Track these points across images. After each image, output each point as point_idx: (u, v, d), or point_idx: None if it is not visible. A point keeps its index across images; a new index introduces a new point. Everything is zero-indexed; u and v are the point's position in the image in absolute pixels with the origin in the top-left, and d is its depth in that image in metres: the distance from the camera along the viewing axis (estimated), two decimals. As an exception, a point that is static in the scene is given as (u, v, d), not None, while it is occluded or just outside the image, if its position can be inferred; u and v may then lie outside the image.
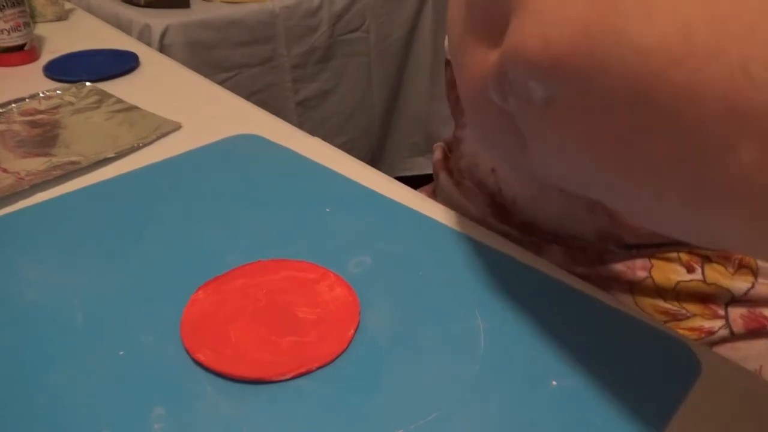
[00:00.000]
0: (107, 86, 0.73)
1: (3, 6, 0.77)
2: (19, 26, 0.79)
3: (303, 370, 0.35)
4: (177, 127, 0.63)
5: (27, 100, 0.68)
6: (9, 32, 0.78)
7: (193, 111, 0.67)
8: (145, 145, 0.60)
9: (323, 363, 0.35)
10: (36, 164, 0.55)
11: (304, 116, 1.68)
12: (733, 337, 0.48)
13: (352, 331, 0.37)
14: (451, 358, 0.36)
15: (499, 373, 0.35)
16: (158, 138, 0.61)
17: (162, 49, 1.48)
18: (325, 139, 0.61)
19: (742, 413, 0.34)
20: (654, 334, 0.38)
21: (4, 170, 0.54)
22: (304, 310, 0.39)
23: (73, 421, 0.32)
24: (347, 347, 0.36)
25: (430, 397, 0.34)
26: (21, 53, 0.80)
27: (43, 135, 0.61)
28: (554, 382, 0.34)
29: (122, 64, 0.80)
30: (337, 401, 0.33)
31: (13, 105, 0.67)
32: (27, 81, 0.75)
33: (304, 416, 0.32)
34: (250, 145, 0.60)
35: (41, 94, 0.69)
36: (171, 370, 0.35)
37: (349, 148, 0.57)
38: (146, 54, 0.84)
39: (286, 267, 0.42)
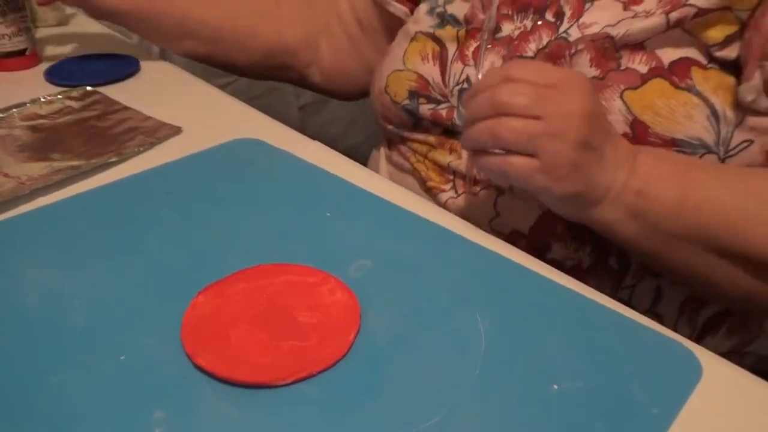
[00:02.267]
0: (108, 91, 0.73)
1: (4, 11, 0.77)
2: (21, 31, 0.79)
3: (304, 374, 0.35)
4: (177, 131, 0.63)
5: (28, 104, 0.68)
6: (10, 37, 0.78)
7: (193, 115, 0.67)
8: (145, 150, 0.60)
9: (324, 367, 0.35)
10: (37, 169, 0.55)
11: (305, 121, 1.67)
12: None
13: (352, 335, 0.37)
14: (452, 361, 0.36)
15: (501, 376, 0.35)
16: (159, 142, 0.61)
17: (163, 53, 1.48)
18: (327, 144, 0.61)
19: (743, 416, 0.34)
20: (655, 338, 0.38)
21: (5, 175, 0.54)
22: (304, 314, 0.39)
23: (73, 424, 0.32)
24: (348, 351, 0.36)
25: (431, 401, 0.33)
26: (22, 58, 0.80)
27: (44, 140, 0.61)
28: (555, 386, 0.34)
29: (123, 68, 0.80)
30: (338, 405, 0.33)
31: (14, 110, 0.67)
32: (28, 86, 0.75)
33: (305, 421, 0.32)
34: (250, 149, 0.60)
35: (42, 99, 0.69)
36: (171, 374, 0.35)
37: (352, 153, 0.57)
38: (147, 58, 0.85)
39: (286, 271, 0.42)
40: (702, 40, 0.47)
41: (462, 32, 0.57)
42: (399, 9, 0.67)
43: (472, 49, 0.56)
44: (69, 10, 1.05)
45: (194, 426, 0.32)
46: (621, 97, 0.48)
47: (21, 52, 0.79)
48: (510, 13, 0.56)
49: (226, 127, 0.64)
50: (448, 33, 0.58)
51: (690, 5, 0.46)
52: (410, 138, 0.63)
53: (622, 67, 0.48)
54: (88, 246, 0.45)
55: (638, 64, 0.48)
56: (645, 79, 0.47)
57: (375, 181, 0.54)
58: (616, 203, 0.45)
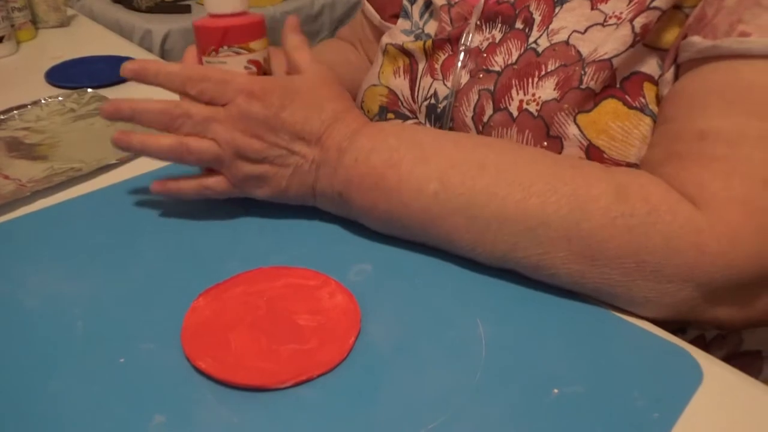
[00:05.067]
0: (109, 92, 0.73)
1: None
2: None
3: (303, 377, 0.35)
4: (178, 133, 0.63)
5: (29, 106, 0.68)
6: None
7: (194, 117, 0.67)
8: (146, 152, 0.60)
9: (324, 371, 0.35)
10: (37, 171, 0.55)
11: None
12: None
13: (352, 339, 0.37)
14: (452, 366, 0.36)
15: (501, 381, 0.35)
16: (159, 144, 0.61)
17: (163, 54, 1.48)
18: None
19: (744, 421, 0.34)
20: (656, 343, 0.38)
21: (6, 177, 0.54)
22: (304, 317, 0.39)
23: (73, 429, 0.32)
24: (348, 355, 0.36)
25: (431, 405, 0.33)
26: None
27: (45, 141, 0.61)
28: (555, 391, 0.34)
29: (124, 70, 0.80)
30: (337, 409, 0.33)
31: (15, 111, 0.67)
32: (29, 88, 0.75)
33: (305, 424, 0.32)
34: (251, 151, 0.60)
35: (43, 101, 0.69)
36: (171, 378, 0.35)
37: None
38: (148, 60, 0.85)
39: (286, 274, 0.42)
40: (660, 47, 0.45)
41: (429, 43, 0.55)
42: (383, 24, 0.66)
43: (441, 62, 0.55)
44: (70, 11, 1.05)
45: (194, 429, 0.32)
46: (575, 121, 0.46)
47: None
48: (479, 22, 0.54)
49: (227, 129, 0.64)
50: (416, 45, 0.57)
51: (655, 8, 0.44)
52: None
53: (583, 86, 0.46)
54: (88, 248, 0.45)
55: (596, 82, 0.46)
56: (597, 100, 0.46)
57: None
58: (326, 199, 0.47)
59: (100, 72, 0.79)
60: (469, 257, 0.43)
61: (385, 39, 0.60)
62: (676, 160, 0.41)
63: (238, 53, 0.48)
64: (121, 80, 0.77)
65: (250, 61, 0.48)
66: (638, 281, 0.38)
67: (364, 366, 0.36)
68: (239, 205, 0.50)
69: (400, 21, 0.61)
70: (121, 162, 0.58)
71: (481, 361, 0.36)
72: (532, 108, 0.48)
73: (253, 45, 0.48)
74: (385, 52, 0.60)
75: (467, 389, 0.34)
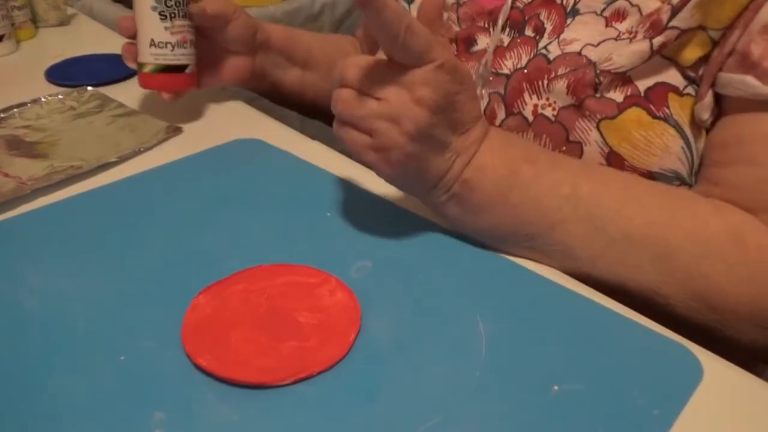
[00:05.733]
0: (109, 91, 0.73)
1: (173, 15, 0.60)
2: (186, 42, 0.61)
3: (304, 375, 0.35)
4: (178, 131, 0.63)
5: (29, 105, 0.68)
6: (173, 47, 0.61)
7: (194, 115, 0.67)
8: (146, 150, 0.60)
9: (324, 368, 0.35)
10: (38, 169, 0.55)
11: (306, 121, 1.67)
12: None
13: (353, 336, 0.37)
14: (452, 363, 0.36)
15: (501, 378, 0.35)
16: (159, 142, 0.61)
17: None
18: (326, 143, 0.61)
19: (744, 418, 0.34)
20: (656, 339, 0.38)
21: (6, 175, 0.54)
22: (305, 314, 0.39)
23: (73, 427, 0.32)
24: (348, 352, 0.36)
25: (431, 402, 0.33)
26: (181, 76, 0.62)
27: (45, 139, 0.61)
28: (556, 388, 0.34)
29: (124, 68, 0.79)
30: (337, 406, 0.33)
31: (16, 110, 0.67)
32: (29, 86, 0.75)
33: (305, 421, 0.32)
34: (251, 149, 0.60)
35: (43, 99, 0.69)
36: (172, 375, 0.35)
37: (350, 152, 0.57)
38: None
39: (287, 272, 0.42)
40: (678, 62, 0.46)
41: None
42: None
43: None
44: (70, 10, 1.05)
45: (194, 427, 0.32)
46: (597, 127, 0.47)
47: (181, 68, 0.62)
48: (485, 25, 0.54)
49: (227, 127, 0.64)
50: None
51: (673, 28, 0.44)
52: None
53: (598, 95, 0.47)
54: (88, 246, 0.45)
55: (615, 92, 0.46)
56: (621, 108, 0.46)
57: (375, 182, 0.54)
58: (445, 188, 0.43)
59: (100, 70, 0.79)
60: (582, 271, 0.43)
61: None
62: None
63: None
64: (121, 78, 0.77)
65: None
66: (750, 326, 0.40)
67: (365, 363, 0.36)
68: (239, 202, 0.50)
69: None
70: (121, 160, 0.57)
71: (481, 358, 0.36)
72: (548, 112, 0.48)
73: None
74: None
75: (467, 387, 0.34)
